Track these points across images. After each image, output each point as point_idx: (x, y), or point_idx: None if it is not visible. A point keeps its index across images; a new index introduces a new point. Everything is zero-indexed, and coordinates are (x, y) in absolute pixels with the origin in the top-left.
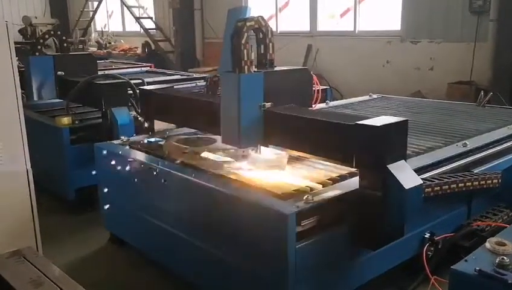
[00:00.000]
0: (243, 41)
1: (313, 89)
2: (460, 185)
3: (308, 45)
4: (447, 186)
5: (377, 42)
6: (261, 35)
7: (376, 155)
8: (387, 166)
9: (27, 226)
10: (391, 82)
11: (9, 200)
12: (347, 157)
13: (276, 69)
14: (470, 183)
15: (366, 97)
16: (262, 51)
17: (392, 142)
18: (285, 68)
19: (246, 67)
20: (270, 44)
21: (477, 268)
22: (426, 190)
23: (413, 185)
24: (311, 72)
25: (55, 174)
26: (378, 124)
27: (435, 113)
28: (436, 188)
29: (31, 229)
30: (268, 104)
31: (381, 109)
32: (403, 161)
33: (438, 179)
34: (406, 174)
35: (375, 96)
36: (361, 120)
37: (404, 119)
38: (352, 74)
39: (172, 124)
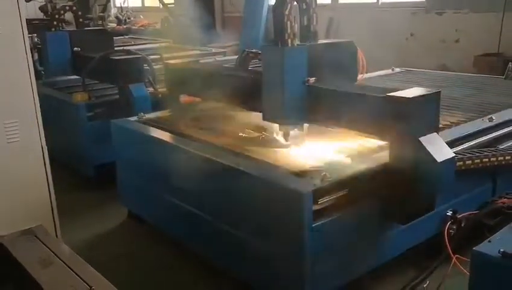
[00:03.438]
0: (287, 12)
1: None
2: (492, 159)
3: (329, 17)
4: (478, 160)
5: (400, 14)
6: (304, 6)
7: (407, 127)
8: (419, 138)
9: (44, 203)
10: (415, 55)
11: (25, 177)
12: (378, 130)
13: (320, 42)
14: (502, 158)
15: (389, 71)
16: (305, 23)
17: (424, 114)
18: (329, 41)
19: (290, 40)
20: (314, 15)
21: (502, 250)
22: (458, 163)
23: (446, 158)
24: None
25: (74, 151)
26: (410, 96)
27: (459, 87)
28: (467, 162)
29: (48, 206)
30: (312, 79)
31: (404, 83)
32: (435, 133)
33: (469, 153)
34: (438, 147)
35: (397, 70)
36: (392, 92)
37: (436, 90)
38: (375, 48)
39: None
